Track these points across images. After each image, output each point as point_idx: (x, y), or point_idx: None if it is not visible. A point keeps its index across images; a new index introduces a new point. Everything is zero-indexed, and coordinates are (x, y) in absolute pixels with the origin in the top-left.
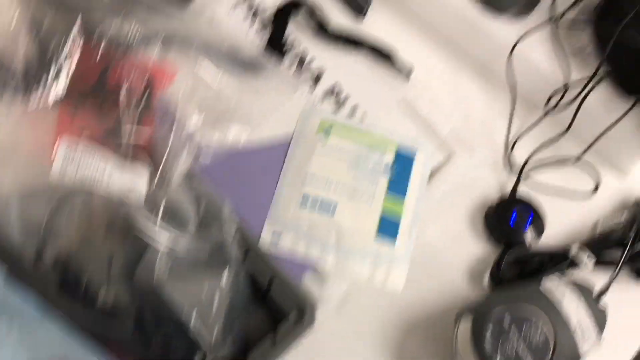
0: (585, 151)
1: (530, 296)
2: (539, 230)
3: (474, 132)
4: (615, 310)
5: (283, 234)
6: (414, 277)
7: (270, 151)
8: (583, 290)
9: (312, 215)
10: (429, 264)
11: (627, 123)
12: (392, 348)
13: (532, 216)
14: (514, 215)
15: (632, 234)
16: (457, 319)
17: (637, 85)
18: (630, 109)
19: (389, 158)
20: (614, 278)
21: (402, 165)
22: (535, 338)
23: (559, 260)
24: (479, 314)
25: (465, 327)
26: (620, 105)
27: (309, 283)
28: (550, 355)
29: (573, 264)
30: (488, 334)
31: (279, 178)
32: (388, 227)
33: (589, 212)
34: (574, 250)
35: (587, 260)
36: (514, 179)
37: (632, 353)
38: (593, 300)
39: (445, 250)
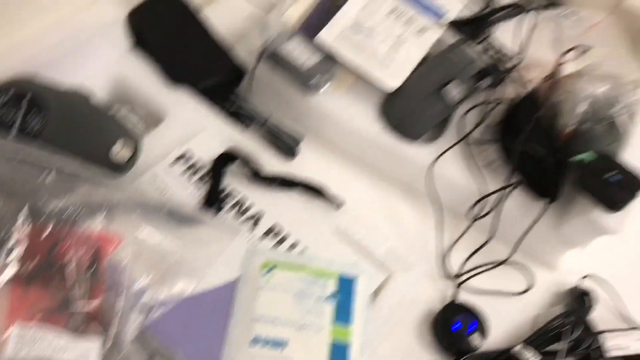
0: (512, 253)
1: None
2: (484, 333)
3: (410, 248)
4: None
5: None
6: None
7: (217, 297)
8: None
9: (264, 354)
10: None
11: (545, 222)
12: None
13: (475, 321)
14: (458, 323)
15: (569, 325)
16: None
17: (545, 188)
18: (544, 211)
19: (332, 287)
20: None
21: (345, 292)
22: None
23: None
24: None
25: None
26: (535, 207)
27: None
28: None
29: None
30: None
31: (228, 322)
32: (339, 356)
33: (527, 308)
34: (517, 349)
35: (532, 358)
36: (453, 287)
37: None
38: None
39: None
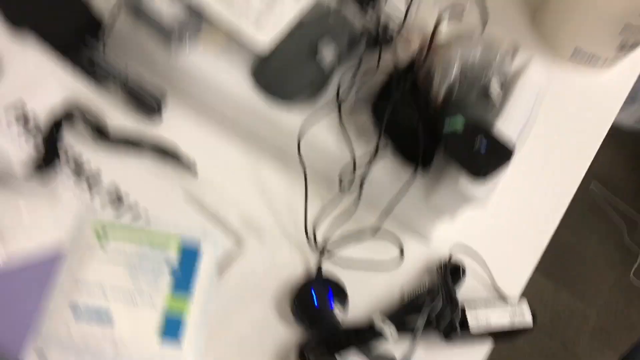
0: (379, 222)
1: None
2: (344, 306)
3: (276, 217)
4: None
5: (51, 352)
6: None
7: (39, 265)
8: None
9: (85, 327)
10: (234, 356)
11: (416, 191)
12: None
13: (334, 294)
14: (320, 297)
15: (434, 297)
16: None
17: (415, 156)
18: (413, 178)
19: (172, 255)
20: (413, 345)
21: (187, 260)
22: None
23: (364, 334)
24: None
25: None
26: (405, 175)
27: None
28: None
29: (378, 336)
30: None
31: (51, 293)
32: (173, 330)
33: (396, 280)
34: (376, 322)
35: (390, 331)
36: (318, 258)
37: None
38: None
39: (252, 340)
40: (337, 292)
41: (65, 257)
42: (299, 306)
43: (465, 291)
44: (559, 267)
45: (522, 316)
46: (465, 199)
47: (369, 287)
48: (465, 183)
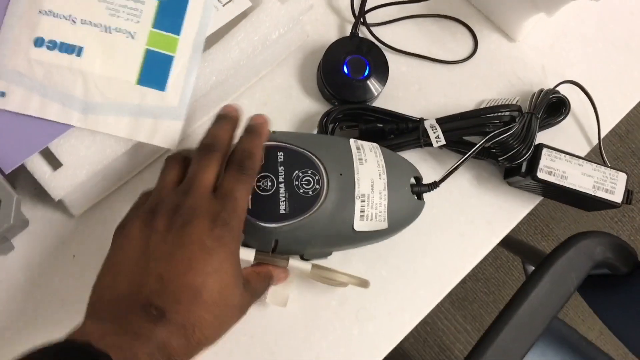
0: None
1: (325, 148)
2: (381, 83)
3: None
4: (462, 200)
5: (11, 87)
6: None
7: None
8: (401, 169)
9: (52, 59)
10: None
11: None
12: None
13: (371, 66)
14: (348, 65)
15: (513, 124)
16: None
17: None
18: None
19: None
20: (451, 171)
21: None
22: (303, 189)
23: (403, 124)
24: None
25: None
26: None
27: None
28: (309, 212)
29: (421, 140)
30: None
31: (3, 13)
32: (157, 65)
33: (459, 81)
34: (425, 124)
35: (434, 139)
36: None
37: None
38: (414, 185)
39: (268, 104)
40: (377, 64)
41: None
42: (326, 71)
43: (553, 137)
44: None
45: (612, 188)
46: None
47: (426, 76)
48: None
